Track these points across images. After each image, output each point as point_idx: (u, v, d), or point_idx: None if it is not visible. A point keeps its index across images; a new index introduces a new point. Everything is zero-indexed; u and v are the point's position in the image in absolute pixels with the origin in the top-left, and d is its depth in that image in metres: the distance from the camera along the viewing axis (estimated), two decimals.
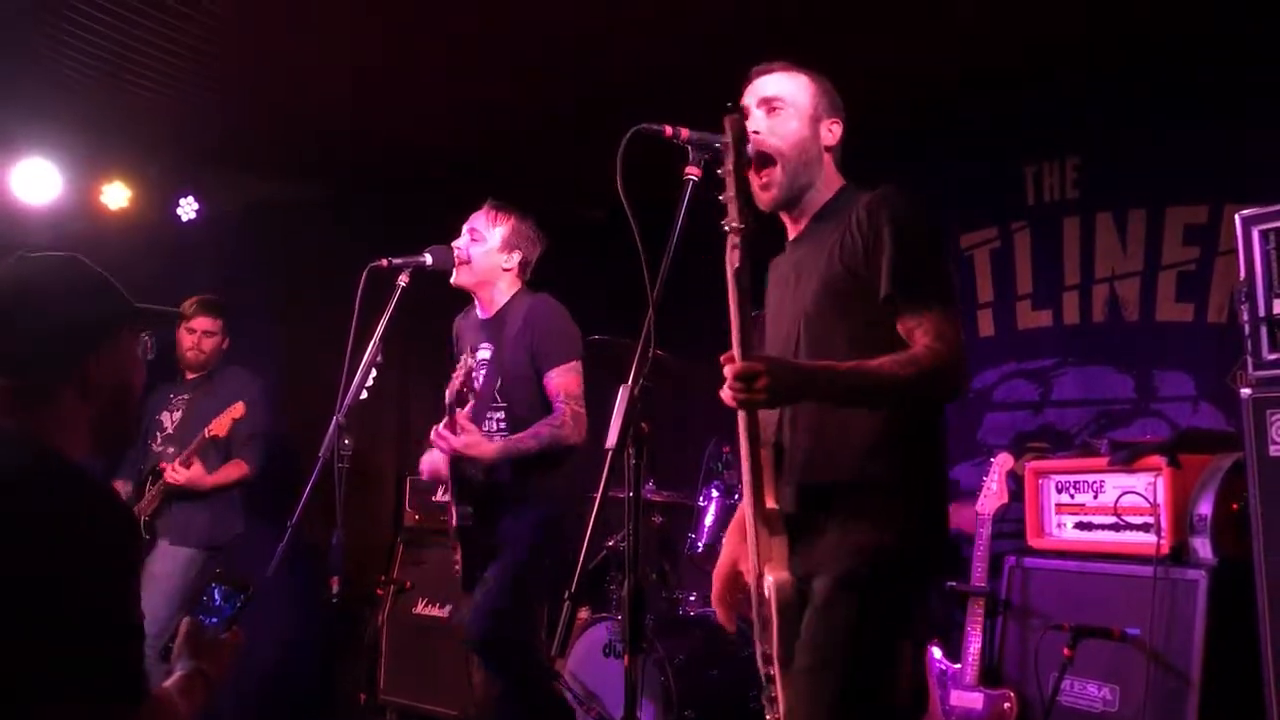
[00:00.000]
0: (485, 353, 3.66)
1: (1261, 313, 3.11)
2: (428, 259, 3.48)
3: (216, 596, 1.96)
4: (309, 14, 4.07)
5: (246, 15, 4.03)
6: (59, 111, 4.85)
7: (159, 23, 4.03)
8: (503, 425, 3.59)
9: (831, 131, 2.41)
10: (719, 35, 4.18)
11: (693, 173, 2.17)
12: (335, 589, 3.28)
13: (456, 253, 3.62)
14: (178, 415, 4.76)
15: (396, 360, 3.60)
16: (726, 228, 2.07)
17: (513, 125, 5.20)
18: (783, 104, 2.38)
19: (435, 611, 5.30)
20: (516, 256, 3.69)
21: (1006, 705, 3.64)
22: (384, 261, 3.37)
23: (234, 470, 4.64)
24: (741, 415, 2.13)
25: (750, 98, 2.43)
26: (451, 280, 3.65)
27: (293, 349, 5.59)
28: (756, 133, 2.33)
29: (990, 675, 3.76)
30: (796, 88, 2.41)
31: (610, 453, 2.00)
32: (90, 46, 4.23)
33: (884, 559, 2.15)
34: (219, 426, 4.47)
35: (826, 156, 2.41)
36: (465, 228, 3.70)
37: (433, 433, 3.47)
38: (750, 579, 2.29)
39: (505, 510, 3.53)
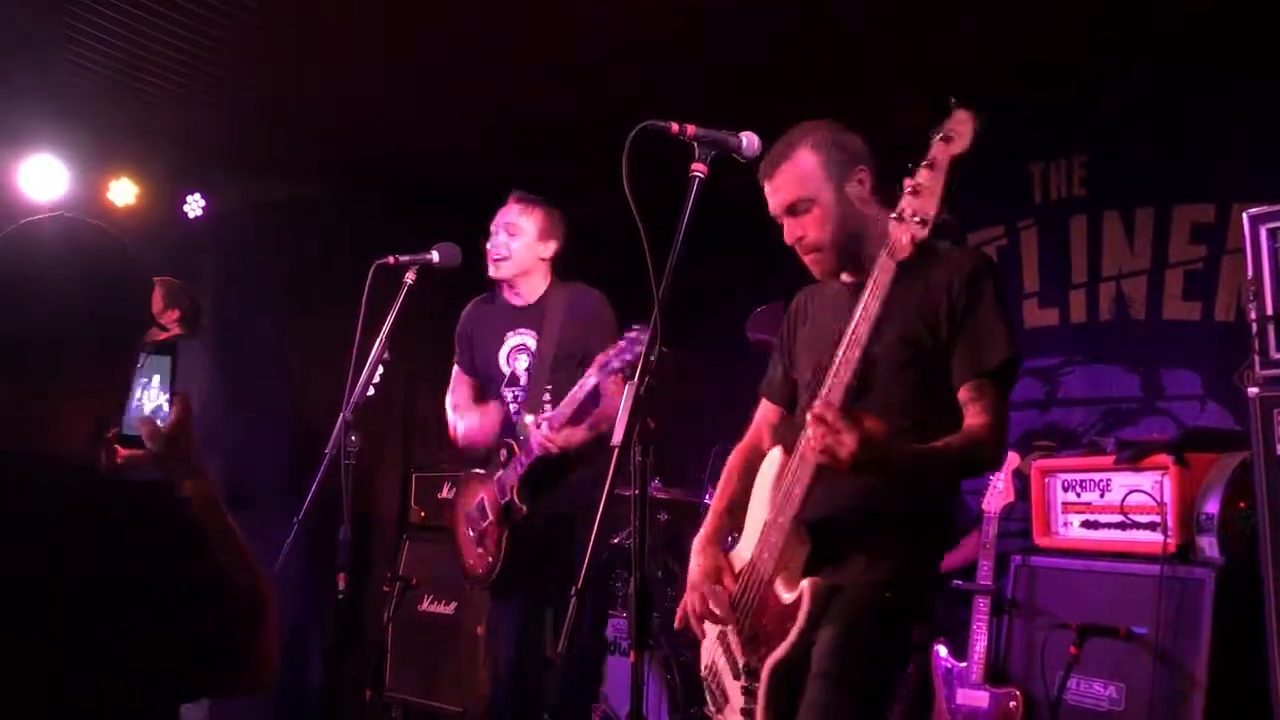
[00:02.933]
0: (524, 338, 3.76)
1: (1269, 311, 3.10)
2: (435, 256, 3.48)
3: (142, 376, 1.68)
4: (315, 14, 4.08)
5: (253, 15, 4.03)
6: (66, 108, 4.86)
7: (167, 20, 4.04)
8: (548, 409, 3.67)
9: (861, 183, 2.35)
10: (723, 35, 4.18)
11: (699, 170, 2.18)
12: (341, 585, 3.28)
13: (494, 251, 3.71)
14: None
15: (402, 357, 3.61)
16: (912, 230, 1.97)
17: (517, 123, 5.20)
18: (804, 203, 2.33)
19: (441, 609, 5.31)
20: (553, 245, 3.77)
21: (1012, 704, 3.63)
22: (390, 259, 3.38)
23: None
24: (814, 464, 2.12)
25: (772, 203, 2.39)
26: (491, 273, 3.74)
27: (298, 347, 5.60)
28: (801, 238, 2.34)
29: (996, 674, 3.75)
30: (805, 176, 2.33)
31: (616, 450, 2.00)
32: (98, 44, 4.24)
33: (901, 589, 2.25)
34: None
35: (868, 207, 2.35)
36: (497, 225, 3.75)
37: (538, 434, 3.50)
38: (732, 587, 2.36)
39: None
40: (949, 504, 2.42)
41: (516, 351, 3.76)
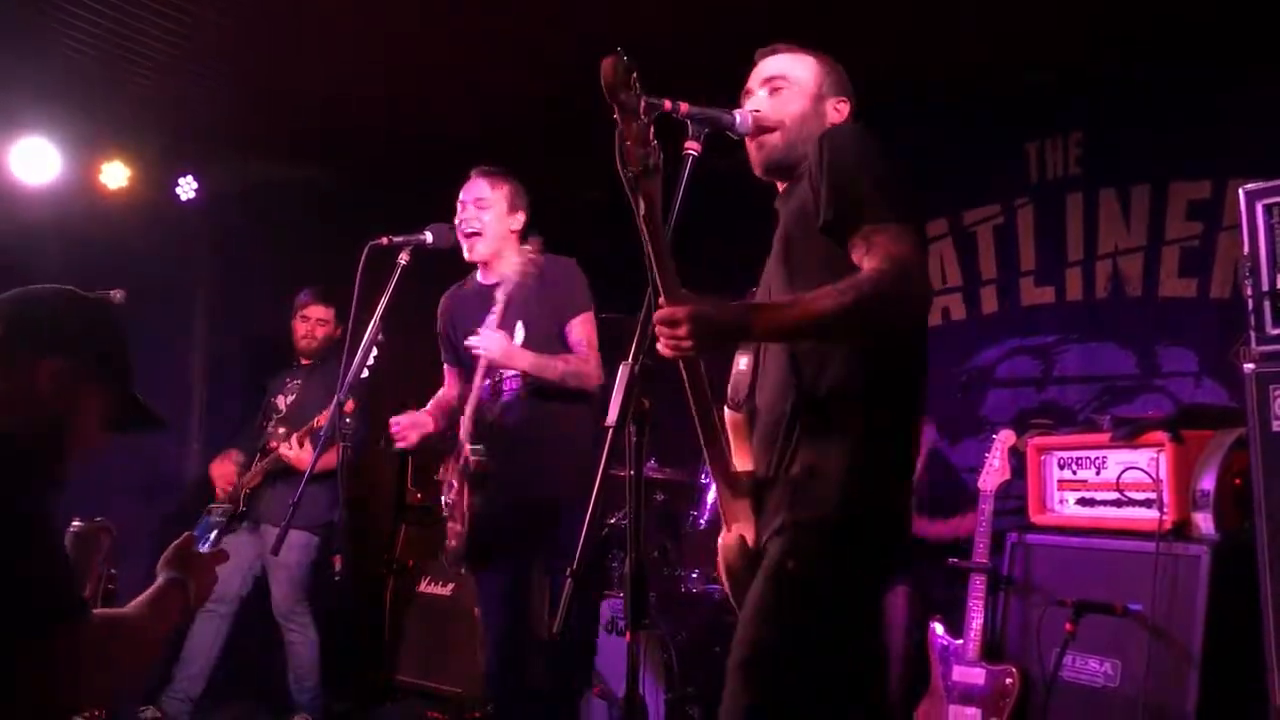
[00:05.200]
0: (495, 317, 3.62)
1: (1265, 287, 3.09)
2: (428, 237, 3.46)
3: (212, 515, 2.04)
4: None
5: None
6: (59, 90, 4.83)
7: (161, 2, 4.01)
8: (515, 385, 3.59)
9: (838, 110, 2.36)
10: (720, 14, 4.15)
11: (692, 148, 2.16)
12: (338, 568, 3.29)
13: (464, 226, 3.60)
14: (291, 399, 4.94)
15: (397, 338, 3.60)
16: (628, 174, 1.96)
17: (513, 108, 5.18)
18: (785, 82, 2.34)
19: (439, 590, 5.31)
20: (521, 217, 3.70)
21: (1009, 680, 3.65)
22: (384, 239, 3.36)
23: (334, 456, 4.66)
24: (681, 368, 2.08)
25: (754, 80, 2.39)
26: (467, 255, 3.64)
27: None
28: (757, 111, 2.31)
29: (992, 651, 3.77)
30: (800, 67, 2.37)
31: (611, 430, 2.00)
32: (91, 26, 4.21)
33: (829, 530, 2.08)
34: (324, 418, 4.52)
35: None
36: (465, 200, 3.65)
37: (472, 339, 3.47)
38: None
39: (529, 465, 3.53)
40: (892, 444, 2.16)
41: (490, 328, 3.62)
